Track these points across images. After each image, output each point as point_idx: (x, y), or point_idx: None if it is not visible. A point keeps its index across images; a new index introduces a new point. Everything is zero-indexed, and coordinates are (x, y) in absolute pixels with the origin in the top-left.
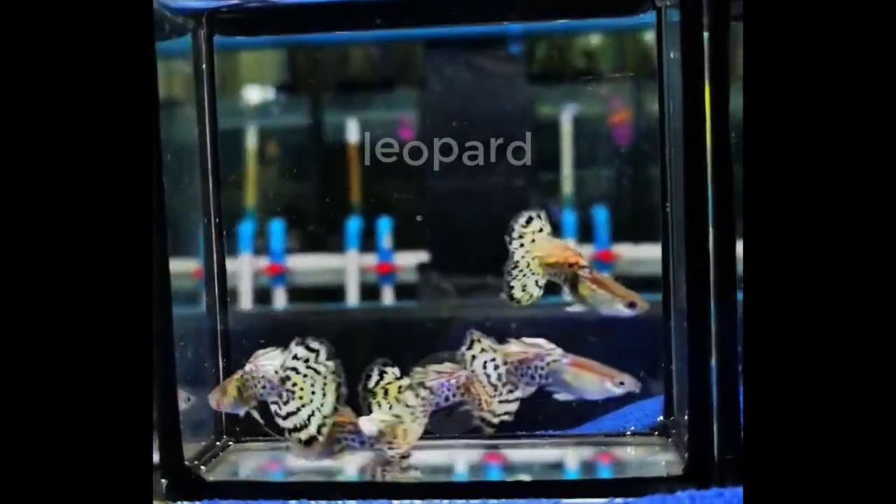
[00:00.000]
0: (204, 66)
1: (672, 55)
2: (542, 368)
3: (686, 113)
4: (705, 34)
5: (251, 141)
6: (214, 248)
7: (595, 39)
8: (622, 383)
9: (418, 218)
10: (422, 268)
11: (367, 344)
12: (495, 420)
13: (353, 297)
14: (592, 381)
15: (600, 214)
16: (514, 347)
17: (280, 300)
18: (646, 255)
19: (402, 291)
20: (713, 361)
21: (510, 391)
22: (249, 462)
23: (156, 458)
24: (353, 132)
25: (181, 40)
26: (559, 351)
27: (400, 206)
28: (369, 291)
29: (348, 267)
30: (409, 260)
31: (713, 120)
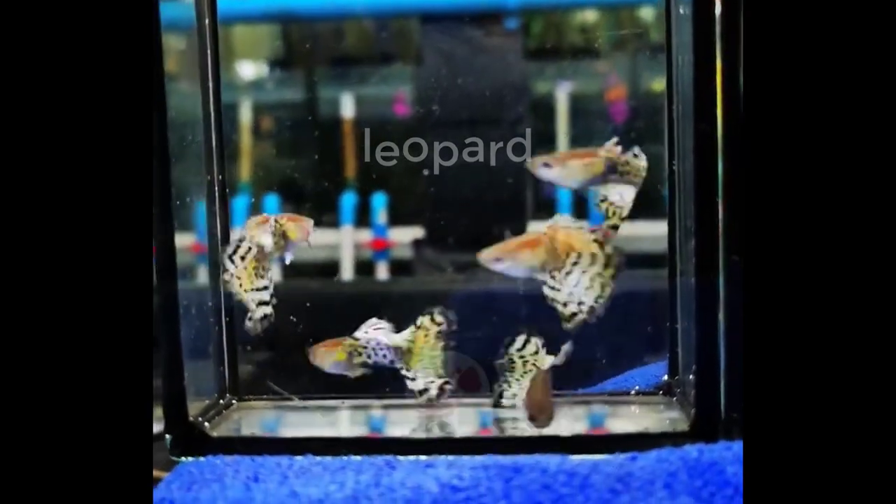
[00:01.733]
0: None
1: (682, 11)
2: None
3: (696, 71)
4: None
5: (245, 116)
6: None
7: None
8: None
9: (425, 172)
10: (417, 243)
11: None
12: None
13: (347, 273)
14: None
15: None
16: None
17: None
18: (642, 232)
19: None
20: (720, 319)
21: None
22: (253, 419)
23: (161, 414)
24: (348, 107)
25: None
26: None
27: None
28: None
29: (343, 242)
30: (404, 236)
31: (723, 78)
